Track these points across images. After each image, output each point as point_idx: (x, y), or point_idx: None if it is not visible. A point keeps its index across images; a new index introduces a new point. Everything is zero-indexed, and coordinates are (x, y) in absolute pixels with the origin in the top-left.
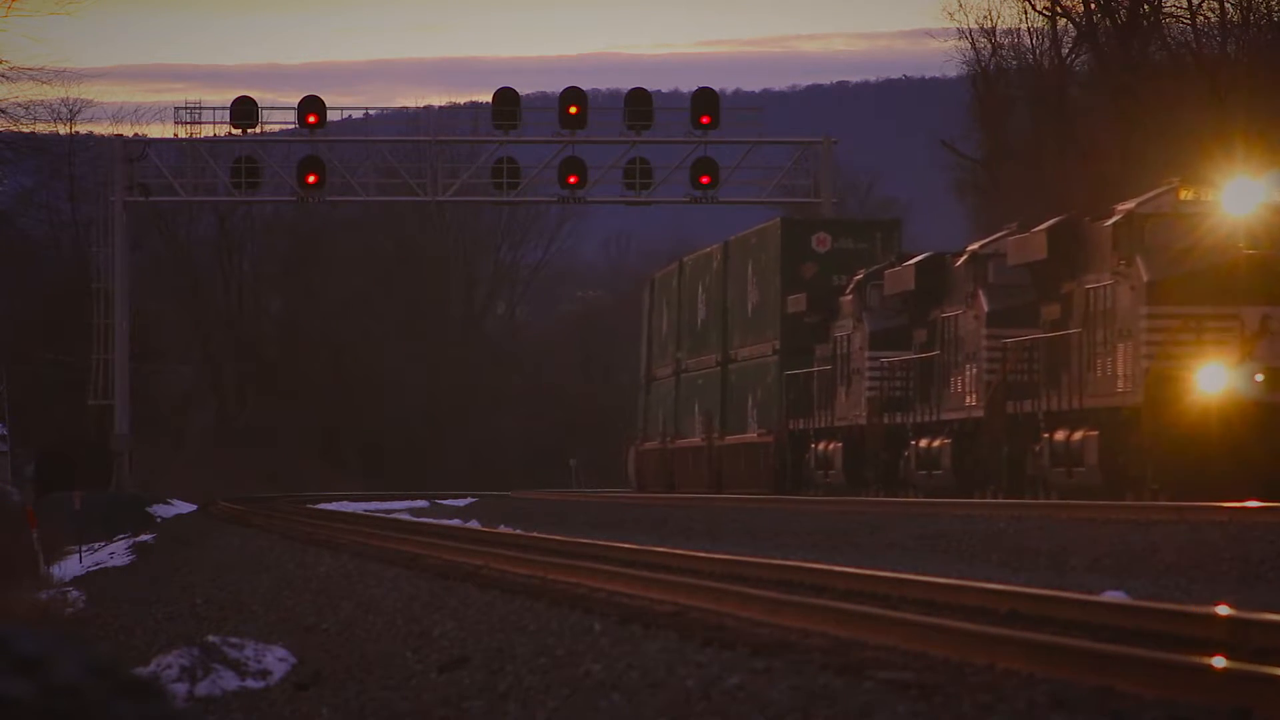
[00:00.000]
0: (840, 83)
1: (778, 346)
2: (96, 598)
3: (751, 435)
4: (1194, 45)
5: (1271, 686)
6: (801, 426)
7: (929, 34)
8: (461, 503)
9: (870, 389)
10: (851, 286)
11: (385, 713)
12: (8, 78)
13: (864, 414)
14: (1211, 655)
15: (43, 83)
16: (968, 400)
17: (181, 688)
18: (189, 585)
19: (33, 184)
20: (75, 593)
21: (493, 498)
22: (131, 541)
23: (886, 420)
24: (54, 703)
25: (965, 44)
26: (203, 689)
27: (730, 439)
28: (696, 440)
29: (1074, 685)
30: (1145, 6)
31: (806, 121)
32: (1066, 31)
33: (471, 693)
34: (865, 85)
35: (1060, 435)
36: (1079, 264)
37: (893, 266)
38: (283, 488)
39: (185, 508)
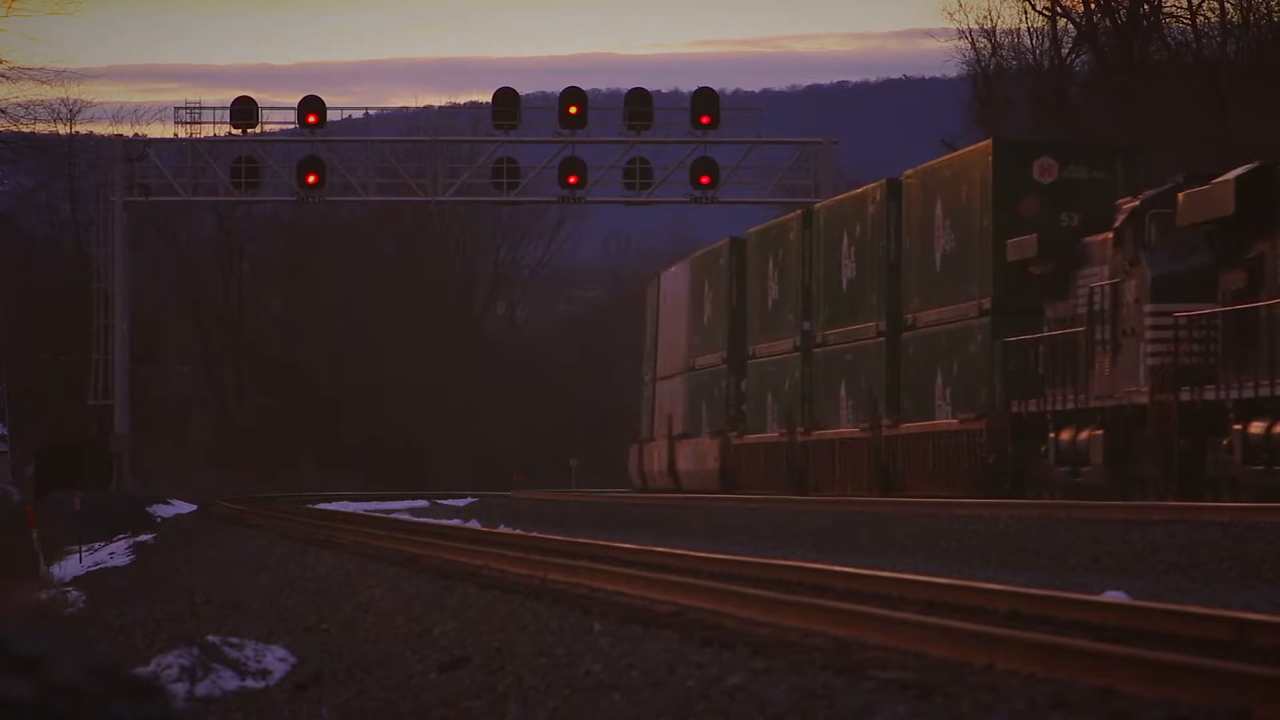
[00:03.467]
0: (840, 83)
1: (988, 306)
2: (96, 598)
3: (948, 422)
4: (1194, 45)
5: (1272, 687)
6: (1032, 409)
7: (929, 34)
8: (461, 503)
9: (1155, 355)
10: (1123, 218)
11: (385, 713)
12: (8, 78)
13: (1144, 389)
14: (1212, 656)
15: (43, 83)
16: None
17: (181, 688)
18: (189, 585)
19: (33, 184)
20: (75, 593)
21: (493, 498)
22: (131, 541)
23: (1186, 397)
24: (54, 703)
25: (965, 44)
26: (203, 689)
27: (907, 427)
28: (850, 430)
29: (1074, 685)
30: (1145, 6)
31: (806, 121)
32: (1066, 31)
33: (471, 693)
34: (865, 85)
35: None
36: None
37: (1186, 188)
38: (283, 488)
39: (185, 508)
